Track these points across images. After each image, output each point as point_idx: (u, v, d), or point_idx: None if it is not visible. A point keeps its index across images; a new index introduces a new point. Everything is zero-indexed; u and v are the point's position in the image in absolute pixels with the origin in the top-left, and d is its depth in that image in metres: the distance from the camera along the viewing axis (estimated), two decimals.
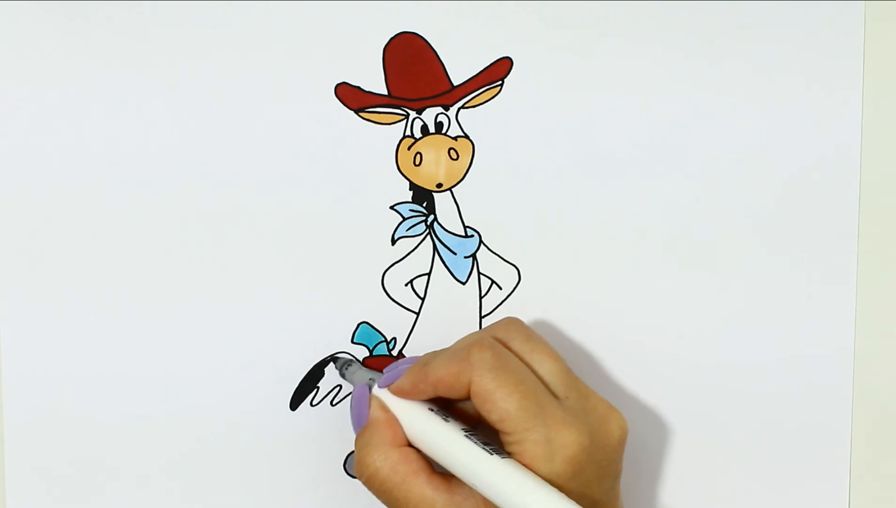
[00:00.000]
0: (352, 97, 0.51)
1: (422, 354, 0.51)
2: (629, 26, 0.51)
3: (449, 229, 0.52)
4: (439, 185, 0.52)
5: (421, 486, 0.45)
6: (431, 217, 0.52)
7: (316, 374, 0.52)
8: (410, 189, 0.52)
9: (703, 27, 0.52)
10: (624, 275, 0.53)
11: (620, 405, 0.51)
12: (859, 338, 0.53)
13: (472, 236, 0.52)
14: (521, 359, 0.46)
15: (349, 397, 0.52)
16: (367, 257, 0.52)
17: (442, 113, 0.52)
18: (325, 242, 0.52)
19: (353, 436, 0.48)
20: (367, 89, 0.51)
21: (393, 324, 0.52)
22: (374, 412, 0.47)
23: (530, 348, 0.47)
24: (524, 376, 0.45)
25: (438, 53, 0.51)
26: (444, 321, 0.52)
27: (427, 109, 0.52)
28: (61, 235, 0.51)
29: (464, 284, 0.53)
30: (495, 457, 0.44)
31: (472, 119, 0.52)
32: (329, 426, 0.52)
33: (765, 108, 0.52)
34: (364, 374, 0.50)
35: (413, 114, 0.51)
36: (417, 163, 0.52)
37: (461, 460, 0.44)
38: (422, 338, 0.52)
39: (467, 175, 0.52)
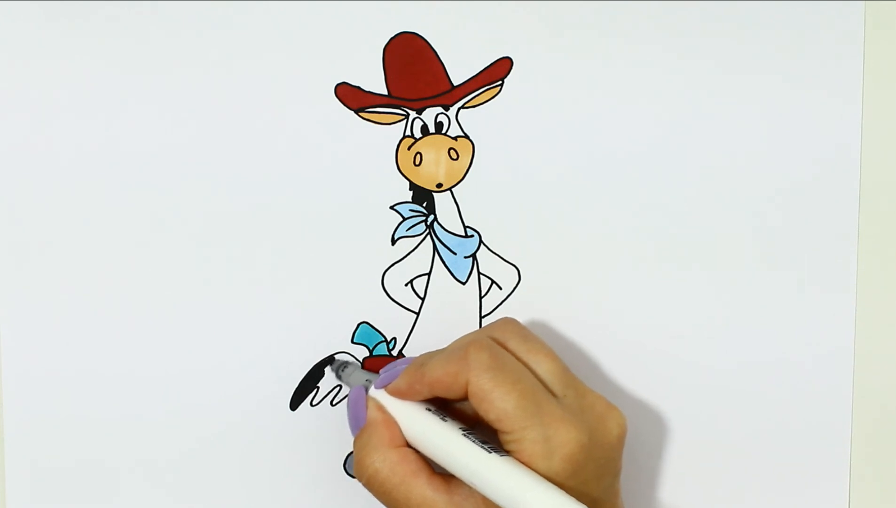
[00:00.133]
0: (352, 97, 0.51)
1: (423, 353, 0.51)
2: (629, 26, 0.51)
3: (449, 229, 0.52)
4: (439, 185, 0.52)
5: (421, 487, 0.45)
6: (431, 217, 0.52)
7: (316, 374, 0.52)
8: (410, 189, 0.52)
9: (703, 27, 0.52)
10: (624, 275, 0.53)
11: (620, 405, 0.51)
12: (859, 338, 0.53)
13: (472, 236, 0.52)
14: (519, 359, 0.46)
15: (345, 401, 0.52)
16: (367, 257, 0.52)
17: (442, 113, 0.52)
18: (325, 242, 0.52)
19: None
20: (367, 89, 0.51)
21: (393, 324, 0.52)
22: (372, 413, 0.47)
23: (527, 348, 0.47)
24: (521, 375, 0.45)
25: (438, 53, 0.51)
26: (444, 321, 0.52)
27: (427, 109, 0.52)
28: (62, 235, 0.51)
29: (464, 284, 0.53)
30: (494, 456, 0.44)
31: (472, 119, 0.52)
32: (329, 426, 0.52)
33: (765, 108, 0.52)
34: (360, 375, 0.50)
35: (413, 114, 0.51)
36: (417, 163, 0.52)
37: (460, 459, 0.44)
38: (422, 338, 0.52)
39: (467, 175, 0.52)
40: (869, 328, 0.53)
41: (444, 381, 0.45)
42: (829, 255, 0.53)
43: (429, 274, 0.52)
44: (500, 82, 0.52)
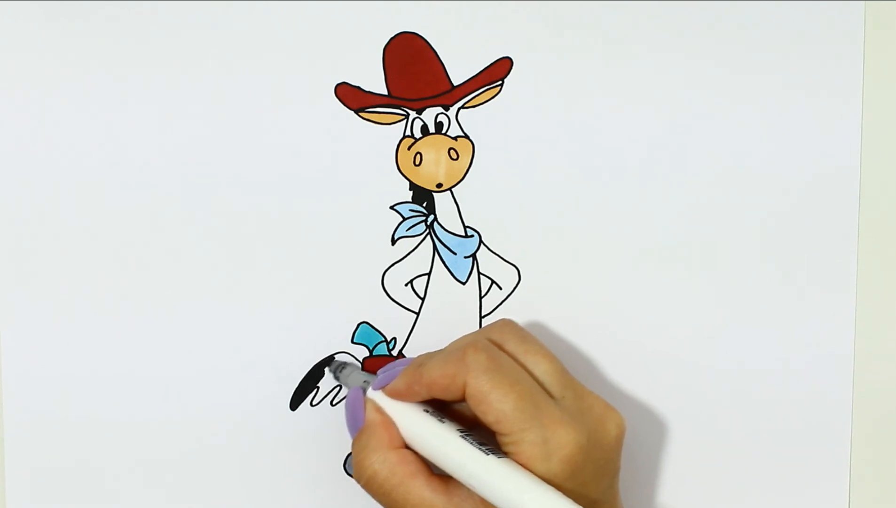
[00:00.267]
0: (352, 97, 0.51)
1: (421, 354, 0.51)
2: (629, 26, 0.51)
3: (449, 229, 0.52)
4: (439, 185, 0.52)
5: (420, 488, 0.45)
6: (431, 217, 0.52)
7: (316, 374, 0.52)
8: (410, 189, 0.52)
9: (703, 27, 0.52)
10: (624, 275, 0.53)
11: (620, 406, 0.51)
12: (859, 340, 0.53)
13: (472, 236, 0.52)
14: (516, 360, 0.46)
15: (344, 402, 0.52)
16: (367, 257, 0.52)
17: (442, 113, 0.52)
18: (325, 242, 0.52)
19: None
20: (367, 89, 0.51)
21: (393, 324, 0.52)
22: (370, 414, 0.47)
23: (525, 349, 0.47)
24: (519, 377, 0.45)
25: (438, 53, 0.51)
26: (444, 321, 0.52)
27: (427, 109, 0.52)
28: (61, 236, 0.51)
29: (464, 284, 0.53)
30: (492, 457, 0.44)
31: (472, 119, 0.52)
32: (329, 426, 0.52)
33: (765, 108, 0.52)
34: (358, 377, 0.50)
35: (413, 114, 0.51)
36: (417, 163, 0.52)
37: (458, 460, 0.44)
38: (422, 338, 0.52)
39: (467, 175, 0.52)
40: (869, 329, 0.53)
41: (442, 382, 0.45)
42: (830, 255, 0.53)
43: (429, 274, 0.52)
44: (500, 82, 0.52)
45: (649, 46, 0.52)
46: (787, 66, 0.52)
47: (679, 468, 0.54)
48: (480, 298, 0.53)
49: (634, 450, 0.53)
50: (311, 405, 0.52)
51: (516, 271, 0.53)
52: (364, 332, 0.52)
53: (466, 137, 0.52)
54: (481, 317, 0.53)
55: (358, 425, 0.47)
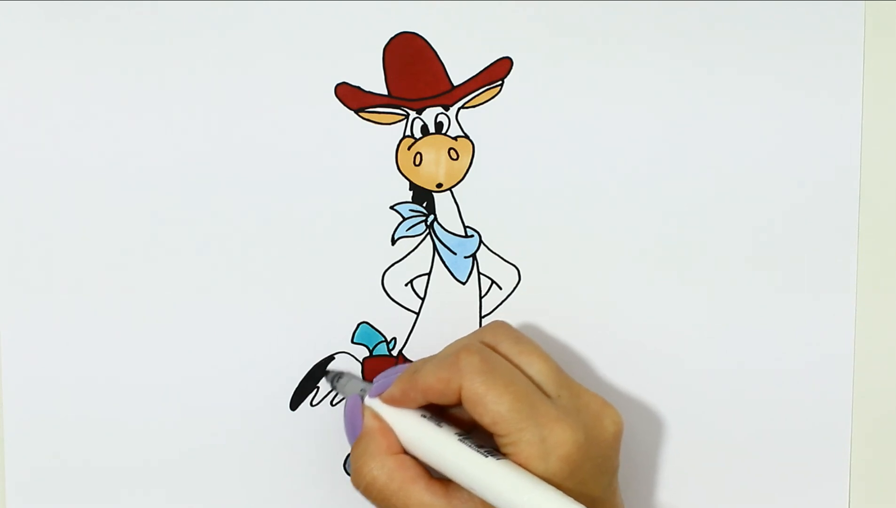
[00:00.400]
0: (352, 97, 0.51)
1: (421, 354, 0.51)
2: (629, 27, 0.51)
3: (449, 229, 0.52)
4: (439, 185, 0.52)
5: (419, 492, 0.45)
6: (431, 217, 0.52)
7: (316, 374, 0.52)
8: (410, 189, 0.52)
9: (703, 28, 0.52)
10: (624, 275, 0.53)
11: (620, 406, 0.51)
12: (859, 340, 0.53)
13: (472, 236, 0.52)
14: (511, 361, 0.46)
15: (342, 405, 0.52)
16: (367, 257, 0.52)
17: (442, 113, 0.52)
18: (325, 242, 0.52)
19: None
20: (367, 89, 0.51)
21: (393, 324, 0.52)
22: (368, 421, 0.47)
23: (519, 350, 0.47)
24: (514, 377, 0.45)
25: (438, 53, 0.51)
26: (444, 321, 0.52)
27: (427, 109, 0.52)
28: (61, 236, 0.51)
29: (464, 284, 0.53)
30: (490, 459, 0.44)
31: (472, 119, 0.52)
32: (329, 426, 0.52)
33: (764, 109, 0.52)
34: (356, 384, 0.50)
35: (413, 114, 0.51)
36: (417, 163, 0.52)
37: (457, 464, 0.44)
38: (422, 338, 0.52)
39: (467, 175, 0.52)
40: (869, 329, 0.53)
41: (437, 387, 0.45)
42: (830, 256, 0.53)
43: (429, 274, 0.52)
44: (500, 82, 0.52)
45: (649, 46, 0.52)
46: (786, 66, 0.52)
47: (679, 468, 0.54)
48: (480, 298, 0.53)
49: (634, 451, 0.53)
50: (311, 405, 0.52)
51: (516, 271, 0.53)
52: (364, 332, 0.52)
53: (466, 137, 0.52)
54: (481, 317, 0.53)
55: (356, 432, 0.47)
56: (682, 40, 0.52)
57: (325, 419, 0.52)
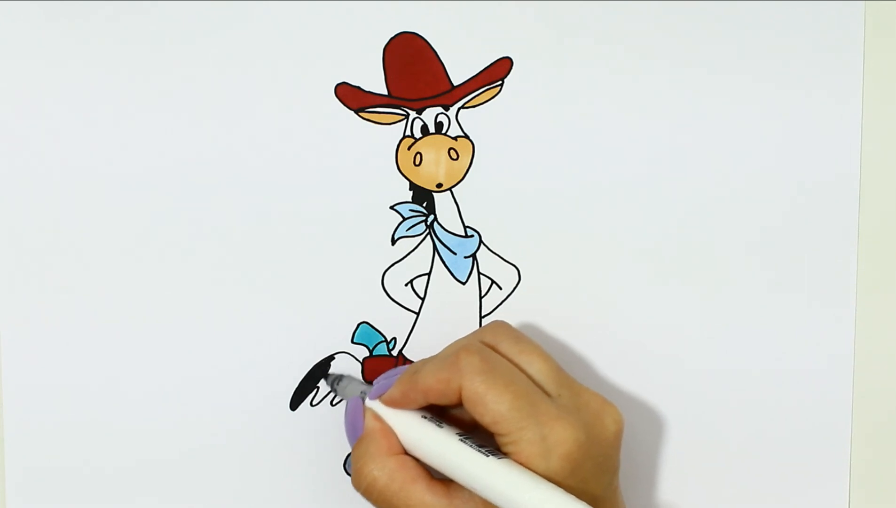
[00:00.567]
0: (352, 97, 0.51)
1: (421, 354, 0.51)
2: (629, 27, 0.51)
3: (449, 229, 0.52)
4: (439, 185, 0.52)
5: (420, 493, 0.45)
6: (431, 217, 0.52)
7: (316, 374, 0.52)
8: (410, 189, 0.52)
9: (703, 28, 0.52)
10: (624, 275, 0.53)
11: (621, 406, 0.51)
12: (859, 342, 0.53)
13: (472, 236, 0.52)
14: (511, 361, 0.46)
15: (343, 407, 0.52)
16: (367, 257, 0.52)
17: (442, 113, 0.52)
18: (324, 242, 0.52)
19: None
20: (367, 89, 0.51)
21: (393, 324, 0.52)
22: (369, 422, 0.47)
23: (519, 349, 0.47)
24: (514, 376, 0.45)
25: (438, 53, 0.51)
26: (444, 321, 0.52)
27: (427, 109, 0.52)
28: (61, 237, 0.51)
29: (464, 284, 0.53)
30: (492, 459, 0.44)
31: (472, 119, 0.52)
32: (329, 426, 0.52)
33: (764, 110, 0.52)
34: (356, 387, 0.50)
35: (413, 114, 0.51)
36: (417, 163, 0.52)
37: (458, 464, 0.44)
38: (422, 338, 0.52)
39: (467, 175, 0.52)
40: (869, 331, 0.53)
41: (438, 388, 0.45)
42: (830, 258, 0.53)
43: (429, 274, 0.52)
44: (500, 82, 0.52)
45: (649, 47, 0.52)
46: (786, 67, 0.52)
47: (680, 469, 0.54)
48: (480, 298, 0.53)
49: (635, 451, 0.53)
50: (311, 405, 0.52)
51: (516, 271, 0.53)
52: (364, 332, 0.52)
53: (466, 137, 0.52)
54: (481, 317, 0.53)
55: (357, 434, 0.47)
56: (682, 40, 0.52)
57: (325, 419, 0.52)
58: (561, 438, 0.44)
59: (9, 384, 0.51)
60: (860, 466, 0.54)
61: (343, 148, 0.51)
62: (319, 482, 0.52)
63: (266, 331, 0.52)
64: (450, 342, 0.49)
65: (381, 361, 0.52)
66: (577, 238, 0.52)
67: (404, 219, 0.52)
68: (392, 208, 0.52)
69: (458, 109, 0.52)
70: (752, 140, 0.52)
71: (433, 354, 0.48)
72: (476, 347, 0.46)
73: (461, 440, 0.45)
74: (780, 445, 0.54)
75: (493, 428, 0.44)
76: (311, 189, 0.51)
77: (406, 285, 0.52)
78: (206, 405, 0.52)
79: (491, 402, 0.44)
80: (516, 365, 0.46)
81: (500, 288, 0.53)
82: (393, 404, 0.47)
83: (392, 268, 0.52)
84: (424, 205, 0.52)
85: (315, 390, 0.52)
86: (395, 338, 0.52)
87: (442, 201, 0.52)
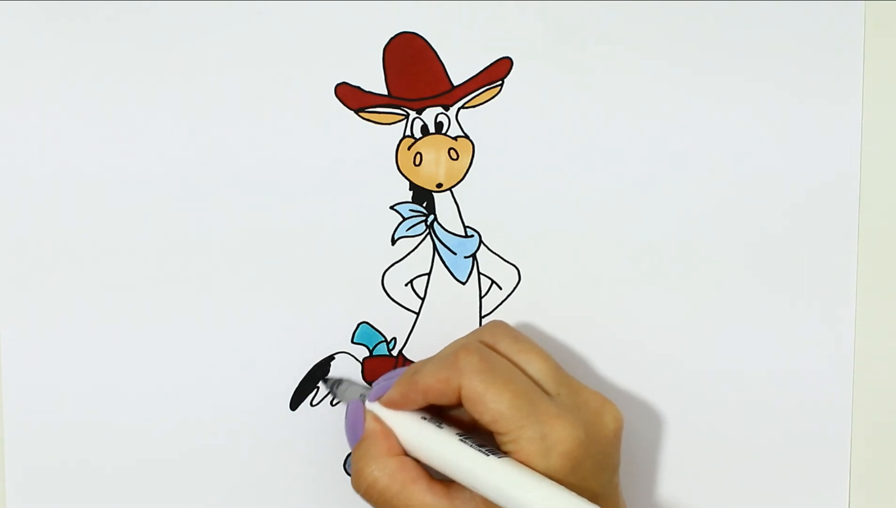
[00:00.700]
0: (352, 97, 0.51)
1: (421, 354, 0.51)
2: (628, 27, 0.51)
3: (449, 229, 0.52)
4: (439, 185, 0.52)
5: (421, 493, 0.45)
6: (431, 217, 0.52)
7: (316, 374, 0.52)
8: (410, 189, 0.52)
9: (703, 28, 0.52)
10: (624, 276, 0.53)
11: (621, 406, 0.51)
12: (859, 343, 0.53)
13: (472, 236, 0.52)
14: (510, 360, 0.46)
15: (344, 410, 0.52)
16: (367, 257, 0.52)
17: (442, 113, 0.52)
18: (325, 242, 0.52)
19: None
20: (367, 89, 0.51)
21: (393, 324, 0.52)
22: (369, 424, 0.47)
23: (518, 348, 0.47)
24: (513, 375, 0.45)
25: (438, 53, 0.51)
26: (444, 321, 0.52)
27: (427, 109, 0.52)
28: (61, 237, 0.51)
29: (464, 284, 0.53)
30: (492, 458, 0.44)
31: (472, 119, 0.52)
32: (329, 426, 0.52)
33: (764, 110, 0.52)
34: (356, 389, 0.50)
35: (413, 114, 0.51)
36: (417, 163, 0.52)
37: (458, 464, 0.44)
38: (422, 338, 0.52)
39: (467, 175, 0.52)
40: (869, 332, 0.53)
41: (437, 388, 0.45)
42: (830, 258, 0.53)
43: (429, 274, 0.52)
44: (500, 82, 0.52)
45: (648, 47, 0.52)
46: (786, 67, 0.52)
47: (680, 470, 0.54)
48: (480, 298, 0.53)
49: (635, 450, 0.53)
50: (311, 405, 0.52)
51: (516, 271, 0.53)
52: (364, 332, 0.52)
53: (466, 137, 0.52)
54: (481, 317, 0.53)
55: (358, 437, 0.47)
56: (681, 41, 0.52)
57: (325, 419, 0.52)
58: (561, 436, 0.44)
59: (9, 384, 0.51)
60: (860, 466, 0.54)
61: (343, 148, 0.51)
62: (319, 482, 0.52)
63: (266, 331, 0.52)
64: (450, 342, 0.49)
65: (381, 361, 0.52)
66: (577, 238, 0.52)
67: (404, 219, 0.52)
68: (392, 208, 0.52)
69: (458, 109, 0.52)
70: (753, 140, 0.52)
71: (433, 354, 0.48)
72: (475, 346, 0.46)
73: (461, 441, 0.45)
74: (780, 445, 0.54)
75: (492, 427, 0.44)
76: (311, 189, 0.51)
77: (406, 285, 0.52)
78: (206, 405, 0.52)
79: (490, 401, 0.44)
80: (515, 364, 0.46)
81: (500, 288, 0.53)
82: (393, 405, 0.47)
83: (392, 268, 0.52)
84: (424, 205, 0.52)
85: (315, 390, 0.52)
86: (395, 338, 0.52)
87: (442, 201, 0.52)
